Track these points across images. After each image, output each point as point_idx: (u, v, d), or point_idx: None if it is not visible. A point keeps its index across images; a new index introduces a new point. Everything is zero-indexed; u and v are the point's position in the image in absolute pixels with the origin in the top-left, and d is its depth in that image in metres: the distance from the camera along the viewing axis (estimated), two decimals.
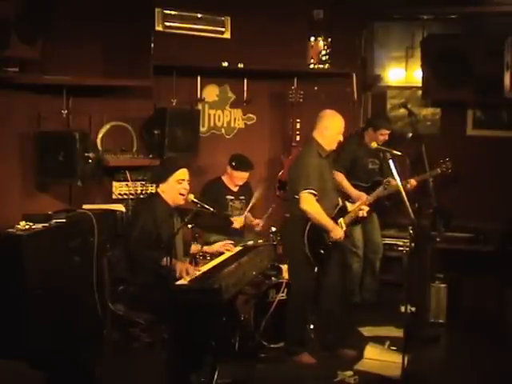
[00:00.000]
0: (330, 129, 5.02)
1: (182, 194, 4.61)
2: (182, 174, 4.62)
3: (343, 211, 5.17)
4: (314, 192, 4.88)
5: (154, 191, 4.80)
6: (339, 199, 5.19)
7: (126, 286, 4.52)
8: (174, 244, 4.55)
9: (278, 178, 6.65)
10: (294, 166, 5.16)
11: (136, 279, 4.47)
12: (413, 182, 5.89)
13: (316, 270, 5.05)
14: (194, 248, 4.91)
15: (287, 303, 5.14)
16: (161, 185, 4.62)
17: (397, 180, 4.60)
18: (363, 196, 5.72)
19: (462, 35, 6.81)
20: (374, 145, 5.80)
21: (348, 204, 5.38)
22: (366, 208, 5.28)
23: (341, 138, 5.08)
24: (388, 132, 6.16)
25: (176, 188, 4.59)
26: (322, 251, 5.00)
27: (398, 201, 4.76)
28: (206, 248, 4.94)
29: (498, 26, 6.68)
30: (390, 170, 4.68)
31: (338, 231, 4.99)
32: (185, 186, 4.62)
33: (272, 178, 6.77)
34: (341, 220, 5.10)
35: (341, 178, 5.95)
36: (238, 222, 5.78)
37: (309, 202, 4.89)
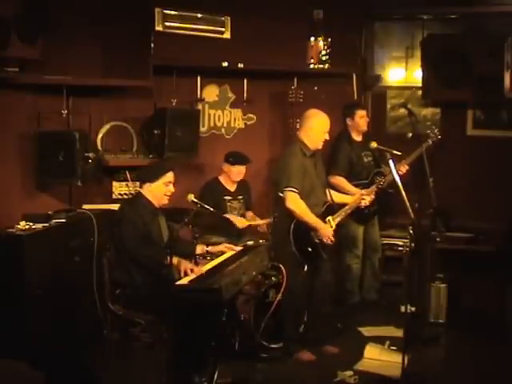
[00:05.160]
0: (315, 128, 5.05)
1: (167, 196, 4.62)
2: (170, 176, 4.63)
3: (332, 209, 5.17)
4: (295, 190, 4.90)
5: (137, 191, 4.77)
6: (328, 197, 5.18)
7: (123, 288, 4.51)
8: (163, 241, 4.57)
9: None
10: (277, 166, 5.20)
11: (134, 281, 4.46)
12: (403, 168, 5.88)
13: (306, 268, 5.04)
14: (199, 248, 4.91)
15: (282, 303, 5.15)
16: (147, 184, 4.61)
17: (397, 180, 4.60)
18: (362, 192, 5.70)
19: (462, 35, 6.81)
20: (373, 145, 5.80)
21: (350, 198, 5.41)
22: (368, 198, 5.37)
23: (327, 137, 5.11)
24: (365, 112, 6.19)
25: (162, 190, 4.60)
26: (310, 249, 5.01)
27: (398, 200, 4.75)
28: (210, 248, 4.92)
29: (498, 26, 6.69)
30: (390, 170, 4.69)
31: (325, 230, 4.99)
32: (171, 189, 4.63)
33: (272, 177, 6.76)
34: (329, 218, 5.10)
35: (342, 181, 5.95)
36: (240, 222, 5.75)
37: (294, 201, 4.91)
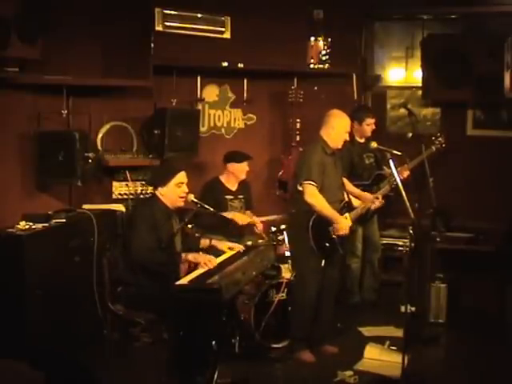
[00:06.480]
0: (336, 128, 5.11)
1: (182, 197, 4.62)
2: (181, 177, 4.62)
3: (349, 207, 5.22)
4: (314, 184, 4.94)
5: (152, 192, 4.77)
6: (345, 195, 5.23)
7: (125, 286, 4.52)
8: (174, 244, 4.57)
9: (278, 178, 6.65)
10: (298, 161, 5.24)
11: (136, 280, 4.46)
12: (404, 172, 5.87)
13: (323, 263, 5.06)
14: (203, 243, 4.91)
15: (292, 300, 5.16)
16: (160, 188, 4.61)
17: (397, 180, 4.61)
18: (367, 195, 5.71)
19: (462, 35, 6.81)
20: (374, 145, 5.79)
21: (359, 202, 5.47)
22: (380, 198, 5.49)
23: (346, 137, 5.18)
24: (373, 121, 6.18)
25: (176, 192, 4.59)
26: (328, 244, 5.03)
27: (398, 200, 4.76)
28: (214, 242, 4.92)
29: (498, 26, 6.69)
30: (391, 169, 4.70)
31: (343, 223, 5.02)
32: (184, 189, 4.62)
33: (272, 177, 6.77)
34: (346, 215, 5.14)
35: (344, 182, 5.95)
36: (240, 218, 5.73)
37: (312, 194, 4.94)
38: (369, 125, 6.16)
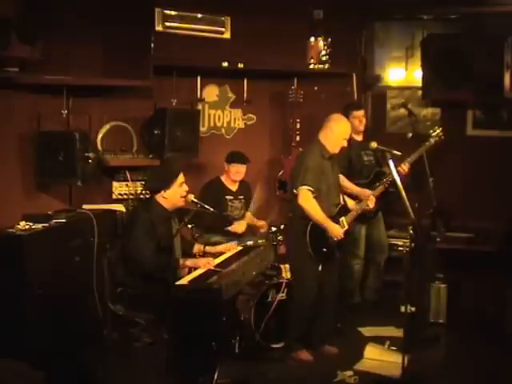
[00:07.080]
0: (335, 132, 5.10)
1: (183, 196, 4.63)
2: (182, 177, 4.66)
3: (345, 210, 5.21)
4: (310, 188, 4.93)
5: (149, 197, 4.76)
6: (341, 199, 5.22)
7: (125, 287, 4.52)
8: (173, 247, 4.58)
9: (278, 178, 6.64)
10: (295, 164, 5.22)
11: (136, 282, 4.46)
12: (404, 167, 5.87)
13: (320, 268, 5.06)
14: (197, 248, 4.91)
15: (290, 302, 5.16)
16: (162, 192, 4.61)
17: (397, 181, 4.60)
18: (366, 191, 5.71)
19: (462, 35, 6.81)
20: (373, 145, 5.79)
21: (353, 203, 5.43)
22: (373, 201, 5.45)
23: (344, 144, 5.16)
24: (360, 113, 6.13)
25: (178, 192, 4.62)
26: (325, 249, 5.03)
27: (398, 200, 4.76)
28: (208, 248, 4.94)
29: (498, 26, 6.69)
30: (390, 170, 4.70)
31: (335, 230, 5.01)
32: (185, 188, 4.66)
33: (272, 177, 6.77)
34: (342, 219, 5.14)
35: (341, 178, 5.95)
36: (239, 225, 5.73)
37: (305, 198, 4.93)
38: (355, 117, 6.10)
